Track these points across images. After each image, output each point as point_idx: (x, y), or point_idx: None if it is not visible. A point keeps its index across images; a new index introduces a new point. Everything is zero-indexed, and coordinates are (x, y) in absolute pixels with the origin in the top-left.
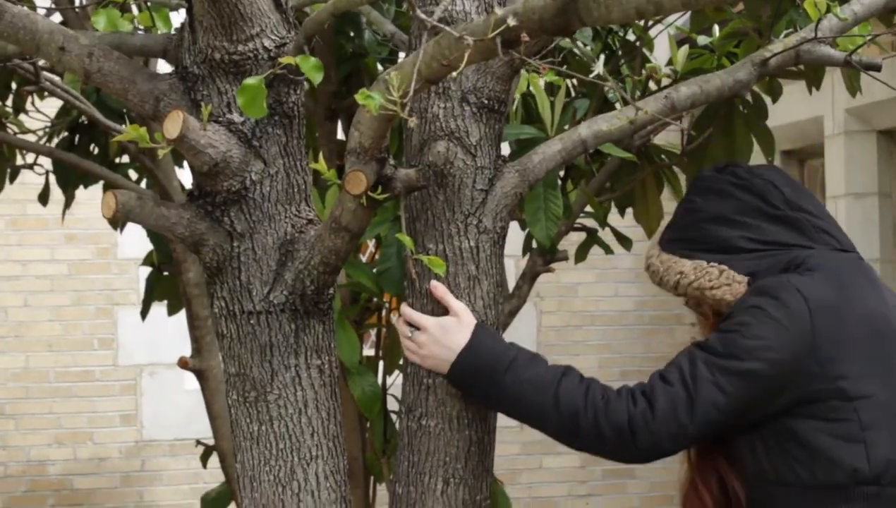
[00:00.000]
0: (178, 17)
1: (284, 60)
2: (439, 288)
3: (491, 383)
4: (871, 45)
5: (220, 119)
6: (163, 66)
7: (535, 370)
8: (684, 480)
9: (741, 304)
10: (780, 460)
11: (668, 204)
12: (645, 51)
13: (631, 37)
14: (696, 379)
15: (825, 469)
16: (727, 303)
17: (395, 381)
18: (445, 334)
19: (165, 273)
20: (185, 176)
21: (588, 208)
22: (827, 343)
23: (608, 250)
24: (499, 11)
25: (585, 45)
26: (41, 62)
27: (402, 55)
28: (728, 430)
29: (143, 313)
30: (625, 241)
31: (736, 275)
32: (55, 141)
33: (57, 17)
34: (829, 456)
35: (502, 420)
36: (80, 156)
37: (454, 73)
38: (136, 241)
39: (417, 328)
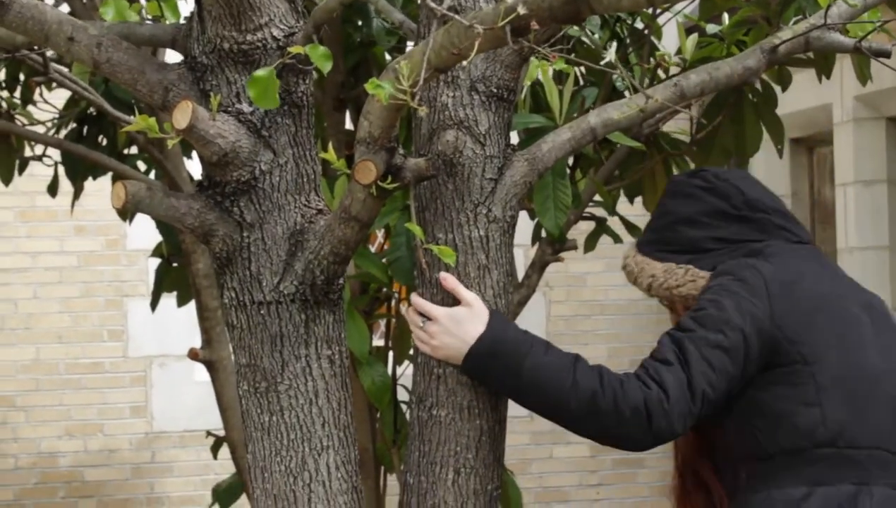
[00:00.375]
0: (186, 7)
1: (293, 50)
2: (450, 279)
3: (509, 371)
4: (880, 31)
5: (230, 109)
6: (171, 56)
7: (551, 356)
8: (674, 487)
9: (706, 289)
10: (748, 435)
11: None
12: (653, 39)
13: (639, 25)
14: (687, 356)
15: (787, 435)
16: (693, 298)
17: (406, 371)
18: (458, 324)
19: (175, 264)
20: (194, 166)
21: (597, 197)
22: (783, 312)
23: (617, 239)
24: (508, 0)
25: (594, 33)
26: (50, 53)
27: (410, 44)
28: (715, 410)
29: (153, 304)
30: (634, 230)
31: (700, 272)
32: (64, 132)
33: (65, 8)
34: (792, 422)
35: (512, 409)
36: (88, 147)
37: (464, 62)
38: (145, 232)
39: (428, 318)
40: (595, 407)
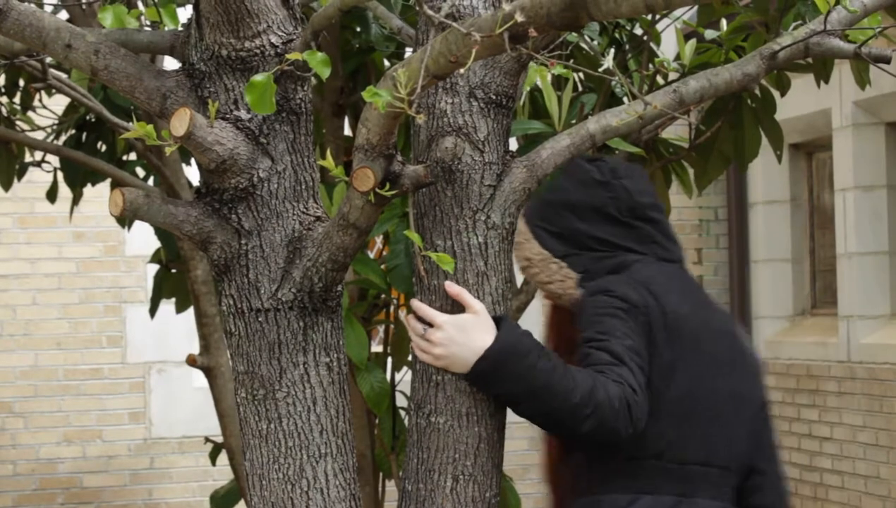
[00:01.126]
0: (185, 14)
1: (291, 56)
2: (454, 286)
3: (516, 378)
4: (880, 36)
5: (228, 116)
6: (170, 63)
7: (551, 358)
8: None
9: (587, 305)
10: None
11: (676, 198)
12: (652, 45)
13: (638, 31)
14: (622, 358)
15: (628, 443)
16: (558, 296)
17: (404, 378)
18: (464, 333)
19: (173, 270)
20: (192, 173)
21: None
22: (656, 329)
23: None
24: (506, 7)
25: (593, 39)
26: (49, 59)
27: (409, 50)
28: None
29: (152, 311)
30: None
31: (571, 273)
32: (62, 138)
33: (64, 15)
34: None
35: (511, 416)
36: (87, 153)
37: (462, 69)
38: (143, 239)
39: (430, 324)
40: (595, 402)
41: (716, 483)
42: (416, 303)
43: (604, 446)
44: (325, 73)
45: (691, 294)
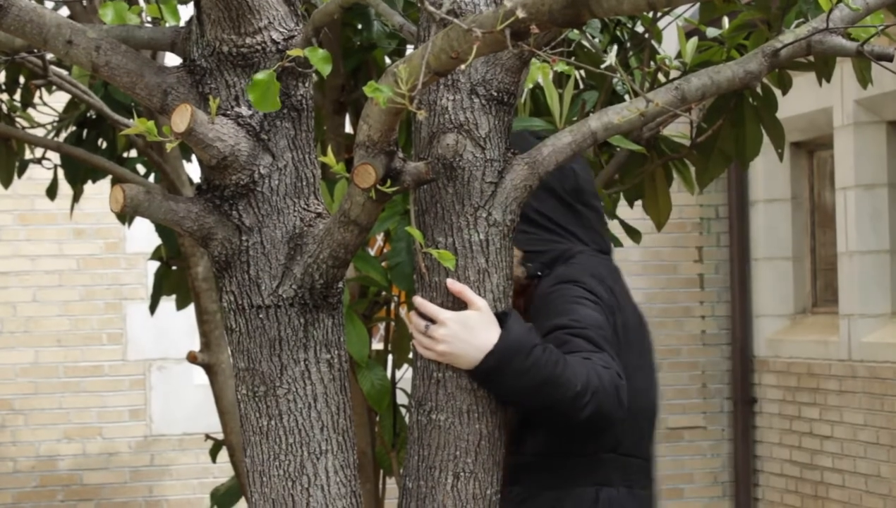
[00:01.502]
0: (186, 10)
1: (293, 53)
2: (456, 284)
3: (523, 372)
4: (882, 34)
5: (229, 112)
6: (171, 60)
7: (552, 350)
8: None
9: (554, 299)
10: (556, 436)
11: (678, 196)
12: (654, 43)
13: (639, 28)
14: (601, 345)
15: (595, 438)
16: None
17: (405, 375)
18: (469, 329)
19: (174, 267)
20: (193, 170)
21: None
22: (610, 324)
23: (617, 243)
24: (508, 3)
25: (594, 37)
26: (49, 56)
27: (410, 48)
28: None
29: (152, 308)
30: (634, 234)
31: (516, 250)
32: (63, 135)
33: (64, 11)
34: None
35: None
36: (88, 150)
37: (463, 66)
38: (144, 236)
39: (432, 321)
40: (595, 386)
41: (647, 474)
42: (418, 300)
43: (589, 436)
44: (326, 69)
45: (624, 288)
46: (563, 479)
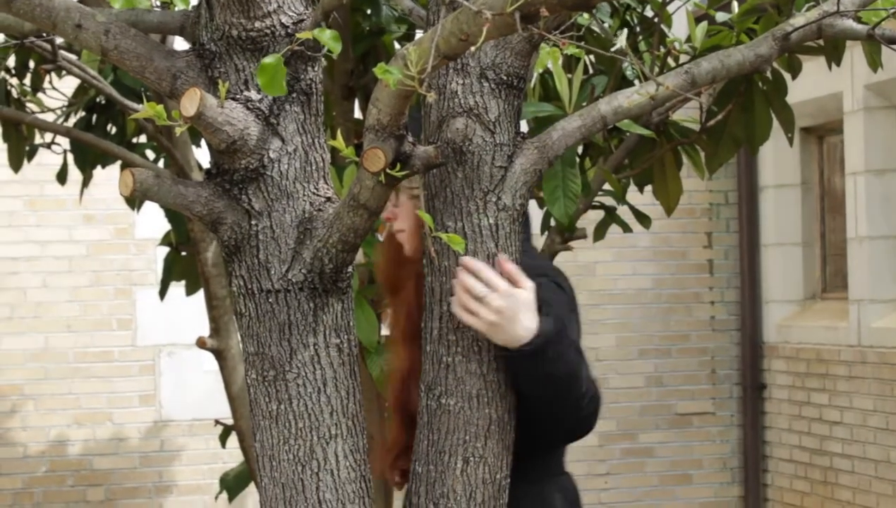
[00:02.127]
0: None
1: (302, 35)
2: (508, 263)
3: (559, 360)
4: (893, 18)
5: (238, 96)
6: (180, 44)
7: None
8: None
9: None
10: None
11: (687, 181)
12: (663, 27)
13: (649, 13)
14: (578, 345)
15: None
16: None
17: None
18: (523, 307)
19: (183, 253)
20: (202, 155)
21: (606, 186)
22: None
23: (627, 228)
24: None
25: (604, 21)
26: (59, 40)
27: (419, 33)
28: None
29: (162, 293)
30: (643, 219)
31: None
32: (72, 120)
33: None
34: None
35: None
36: (97, 135)
37: (472, 49)
38: (153, 221)
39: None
40: (591, 393)
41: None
42: (472, 263)
43: (568, 435)
44: (337, 48)
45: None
46: (533, 471)
